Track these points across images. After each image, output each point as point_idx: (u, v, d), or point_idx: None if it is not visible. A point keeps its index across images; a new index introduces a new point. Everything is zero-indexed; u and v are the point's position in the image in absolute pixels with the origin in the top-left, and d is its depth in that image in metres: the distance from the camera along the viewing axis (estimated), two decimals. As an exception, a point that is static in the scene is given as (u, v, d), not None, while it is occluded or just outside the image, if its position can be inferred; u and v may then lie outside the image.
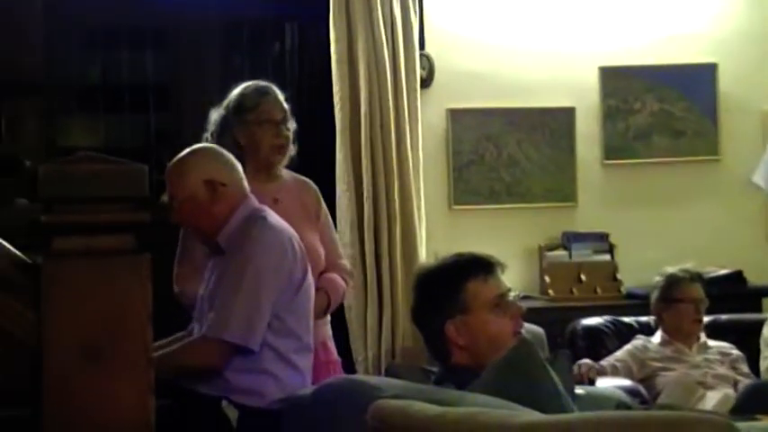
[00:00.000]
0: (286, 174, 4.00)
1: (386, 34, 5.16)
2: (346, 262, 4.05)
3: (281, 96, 3.91)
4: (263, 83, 4.04)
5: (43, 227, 1.73)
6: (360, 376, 3.02)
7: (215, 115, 3.90)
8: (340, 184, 5.34)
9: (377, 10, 5.11)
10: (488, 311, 2.78)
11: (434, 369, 2.94)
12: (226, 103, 3.87)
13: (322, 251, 3.90)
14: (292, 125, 3.92)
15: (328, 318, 4.03)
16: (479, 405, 2.16)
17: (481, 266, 2.81)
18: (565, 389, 2.51)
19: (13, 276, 1.76)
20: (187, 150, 3.46)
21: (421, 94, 5.20)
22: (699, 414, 3.02)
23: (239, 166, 3.46)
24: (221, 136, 3.86)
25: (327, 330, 4.01)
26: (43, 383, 1.72)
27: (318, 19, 5.31)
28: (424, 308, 2.86)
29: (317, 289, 3.81)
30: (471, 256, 2.88)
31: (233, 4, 5.47)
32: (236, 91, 3.91)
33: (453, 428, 1.79)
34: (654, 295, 4.68)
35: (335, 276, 3.93)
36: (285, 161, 3.88)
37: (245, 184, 3.45)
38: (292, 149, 3.99)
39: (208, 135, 3.92)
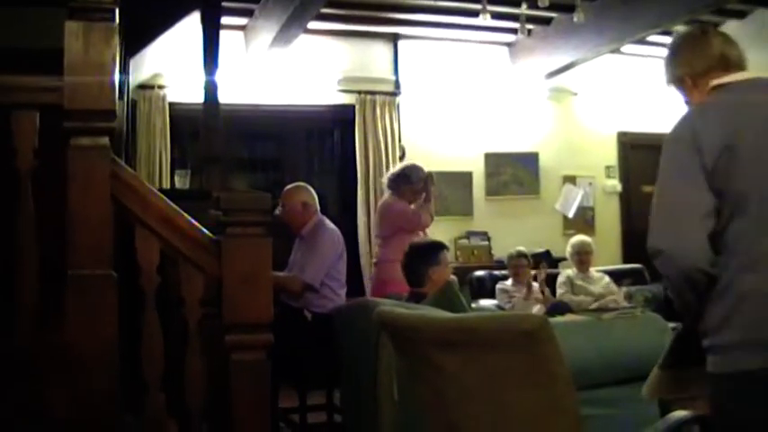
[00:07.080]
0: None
1: (383, 136, 7.63)
2: None
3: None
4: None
5: (221, 223, 2.40)
6: (369, 298, 4.18)
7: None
8: (360, 214, 7.60)
9: (379, 124, 7.65)
10: (446, 267, 3.89)
11: (404, 297, 3.91)
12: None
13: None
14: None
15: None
16: (425, 311, 2.83)
17: (446, 247, 3.98)
18: (468, 306, 3.52)
19: (210, 246, 2.41)
20: (296, 183, 4.70)
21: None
22: (521, 313, 4.26)
23: (317, 197, 4.53)
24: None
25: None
26: (223, 296, 2.34)
27: (350, 127, 7.70)
28: (419, 259, 3.84)
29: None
30: (441, 242, 3.97)
31: (307, 118, 7.53)
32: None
33: (413, 320, 2.20)
34: (506, 262, 6.75)
35: None
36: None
37: (318, 207, 4.56)
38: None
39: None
